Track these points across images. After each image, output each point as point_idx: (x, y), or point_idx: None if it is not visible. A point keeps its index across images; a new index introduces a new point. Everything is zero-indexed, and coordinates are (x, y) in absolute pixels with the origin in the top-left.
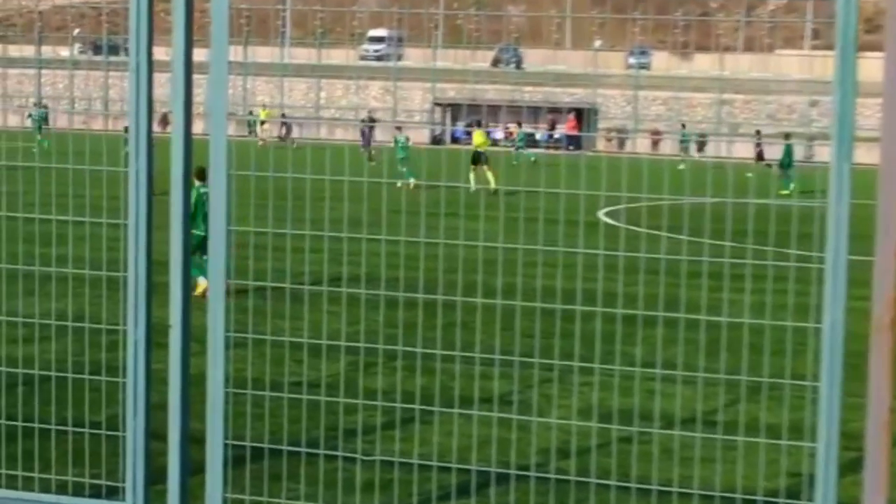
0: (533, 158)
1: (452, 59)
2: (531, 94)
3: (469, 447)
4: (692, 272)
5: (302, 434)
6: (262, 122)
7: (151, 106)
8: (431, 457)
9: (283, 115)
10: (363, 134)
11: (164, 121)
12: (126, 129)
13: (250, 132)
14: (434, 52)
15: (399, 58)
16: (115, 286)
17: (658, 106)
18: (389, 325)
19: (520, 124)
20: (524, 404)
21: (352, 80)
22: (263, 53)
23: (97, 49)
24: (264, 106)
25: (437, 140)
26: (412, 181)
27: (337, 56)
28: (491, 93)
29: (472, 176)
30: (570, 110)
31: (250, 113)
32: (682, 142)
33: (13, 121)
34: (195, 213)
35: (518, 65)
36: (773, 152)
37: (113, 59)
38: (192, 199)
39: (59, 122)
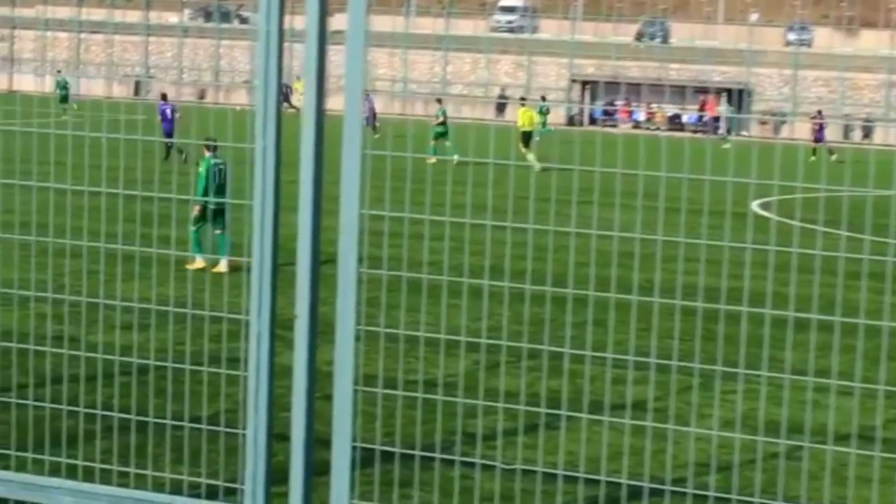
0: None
1: (592, 33)
2: (678, 73)
3: (599, 457)
4: (851, 272)
5: (417, 437)
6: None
7: (281, 77)
8: (558, 466)
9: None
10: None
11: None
12: (163, 96)
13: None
14: (572, 25)
15: (534, 30)
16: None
17: (819, 87)
18: (515, 321)
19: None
20: (661, 412)
21: (481, 54)
22: (385, 23)
23: (208, 16)
24: (298, 77)
25: (573, 121)
26: (455, 157)
27: (466, 27)
28: (633, 70)
29: (530, 157)
30: (717, 90)
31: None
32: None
33: (118, 91)
34: (206, 186)
35: (664, 39)
36: None
37: (225, 26)
38: (202, 171)
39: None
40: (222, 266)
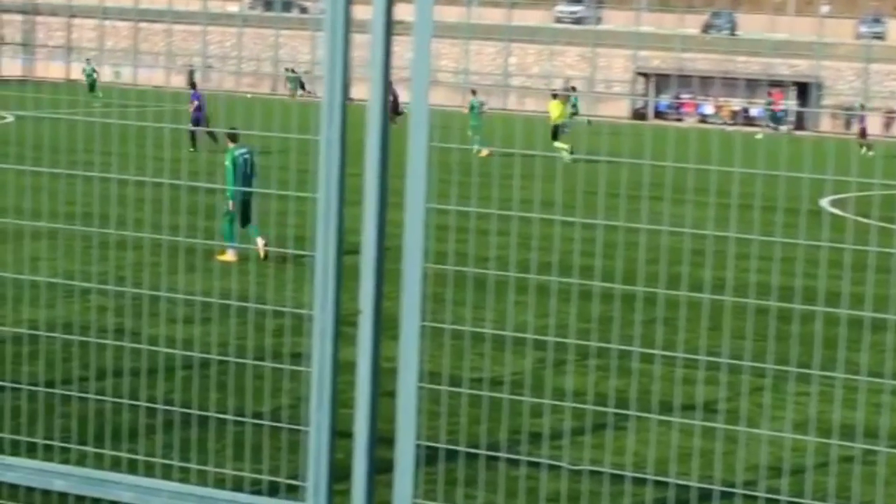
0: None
1: (657, 24)
2: (746, 65)
3: (668, 458)
4: None
5: (482, 436)
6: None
7: (348, 68)
8: (625, 467)
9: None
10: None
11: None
12: (193, 85)
13: (292, 94)
14: (637, 16)
15: (598, 21)
16: (281, 265)
17: (892, 81)
18: (582, 318)
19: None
20: (732, 413)
21: (545, 45)
22: (448, 13)
23: (268, 5)
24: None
25: (639, 114)
26: (484, 150)
27: (533, 18)
28: (700, 62)
29: (558, 145)
30: (777, 83)
31: (292, 71)
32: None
33: (176, 81)
34: (235, 177)
35: (732, 31)
36: None
37: (286, 15)
38: (229, 164)
39: (226, 83)
40: (230, 255)
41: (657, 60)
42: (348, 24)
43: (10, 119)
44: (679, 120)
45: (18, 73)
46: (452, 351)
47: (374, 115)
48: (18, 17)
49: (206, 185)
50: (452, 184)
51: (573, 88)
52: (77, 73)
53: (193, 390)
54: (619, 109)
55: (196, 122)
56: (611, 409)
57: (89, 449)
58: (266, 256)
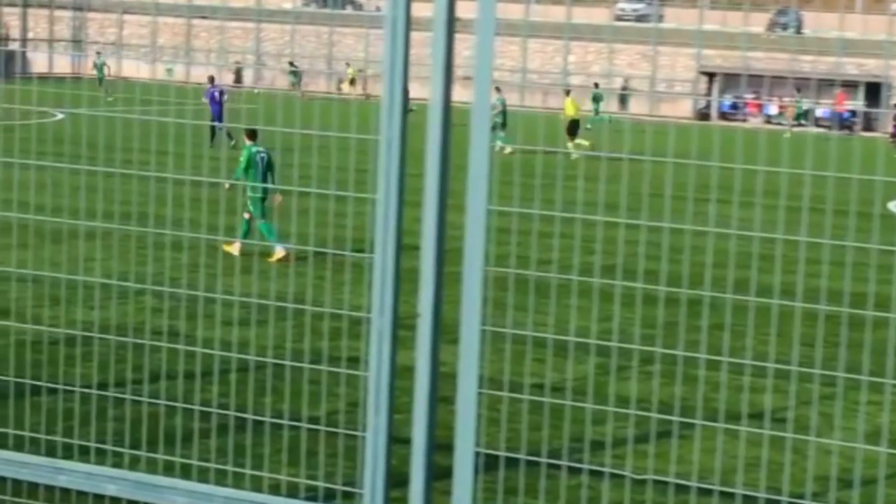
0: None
1: (720, 22)
2: (813, 65)
3: (734, 469)
4: None
5: (542, 443)
6: (352, 81)
7: (408, 66)
8: (690, 477)
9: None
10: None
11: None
12: (211, 79)
13: (294, 89)
14: (700, 13)
15: (660, 18)
16: (338, 267)
17: None
18: (646, 324)
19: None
20: (800, 423)
21: (604, 43)
22: (507, 10)
23: (323, 1)
24: (348, 63)
25: (702, 115)
26: (508, 147)
27: (596, 16)
28: (764, 62)
29: (570, 146)
30: (847, 83)
31: (292, 65)
32: None
33: (228, 78)
34: (246, 172)
35: (798, 30)
36: None
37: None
38: (243, 159)
39: (278, 82)
40: (280, 252)
41: (720, 59)
42: (409, 22)
43: (61, 117)
44: (743, 121)
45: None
46: (512, 356)
47: (435, 115)
48: (68, 13)
49: (268, 185)
50: (515, 185)
51: (595, 85)
52: (131, 70)
53: (248, 394)
54: (681, 110)
55: (216, 118)
56: (675, 418)
57: (142, 453)
58: (283, 259)
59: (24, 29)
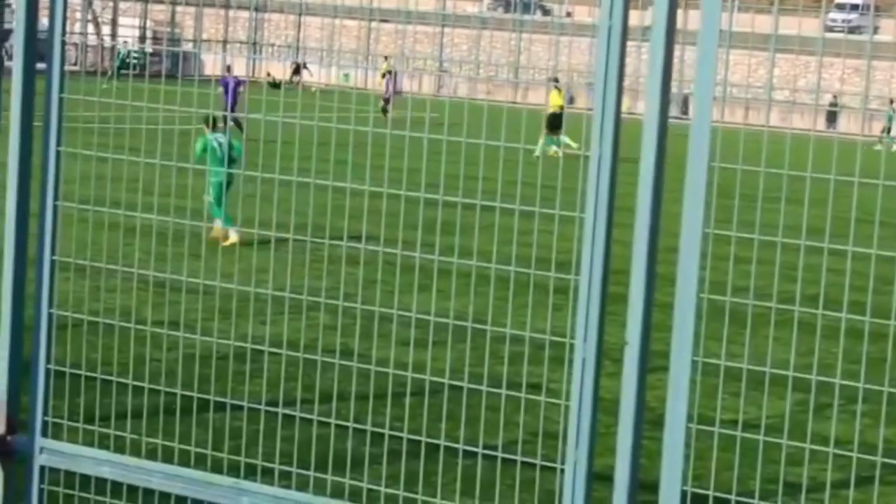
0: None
1: None
2: None
3: None
4: None
5: (733, 483)
6: (383, 75)
7: (623, 79)
8: None
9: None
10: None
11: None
12: (227, 69)
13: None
14: None
15: (875, 30)
16: (522, 289)
17: None
18: (850, 359)
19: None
20: None
21: (812, 56)
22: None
23: (509, 6)
24: (385, 57)
25: None
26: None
27: (805, 26)
28: None
29: (541, 142)
30: None
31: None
32: None
33: (415, 86)
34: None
35: None
36: None
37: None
38: (199, 147)
39: (461, 89)
40: (233, 237)
41: None
42: (625, 31)
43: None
44: None
45: (243, 72)
46: (704, 389)
47: (651, 130)
48: (245, 14)
49: (444, 197)
50: (713, 206)
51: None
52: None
53: (423, 417)
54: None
55: (229, 108)
56: (879, 459)
57: (311, 474)
58: (223, 242)
59: (199, 29)
